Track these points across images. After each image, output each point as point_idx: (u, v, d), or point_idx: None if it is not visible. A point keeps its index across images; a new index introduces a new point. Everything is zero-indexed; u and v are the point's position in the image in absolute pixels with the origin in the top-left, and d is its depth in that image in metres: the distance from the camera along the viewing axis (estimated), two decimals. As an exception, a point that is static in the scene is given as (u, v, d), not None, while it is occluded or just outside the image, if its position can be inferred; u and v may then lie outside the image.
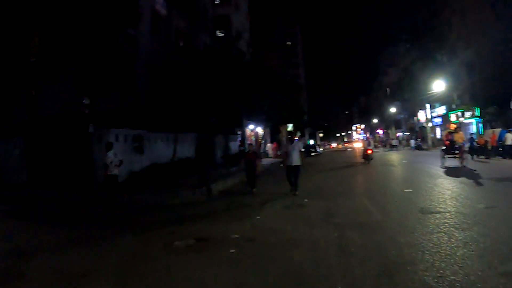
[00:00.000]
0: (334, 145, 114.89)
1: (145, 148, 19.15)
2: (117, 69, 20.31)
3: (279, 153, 37.70)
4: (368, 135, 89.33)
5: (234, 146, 34.19)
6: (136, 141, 18.70)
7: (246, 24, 46.84)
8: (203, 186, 14.89)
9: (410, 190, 11.74)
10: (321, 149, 68.28)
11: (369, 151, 26.38)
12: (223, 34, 37.15)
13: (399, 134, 77.18)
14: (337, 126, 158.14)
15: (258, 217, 8.92)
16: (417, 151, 43.61)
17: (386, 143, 63.74)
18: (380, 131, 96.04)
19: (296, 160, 12.30)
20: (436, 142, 49.18)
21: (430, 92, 45.54)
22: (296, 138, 13.78)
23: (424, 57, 47.22)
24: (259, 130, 39.11)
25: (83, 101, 16.63)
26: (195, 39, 30.36)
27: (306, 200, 10.92)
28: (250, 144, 16.28)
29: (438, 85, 43.45)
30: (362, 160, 26.43)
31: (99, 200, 13.45)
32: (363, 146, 29.39)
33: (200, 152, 16.15)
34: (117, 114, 19.41)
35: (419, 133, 60.39)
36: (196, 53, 19.47)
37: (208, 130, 26.82)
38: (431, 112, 51.53)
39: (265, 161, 33.45)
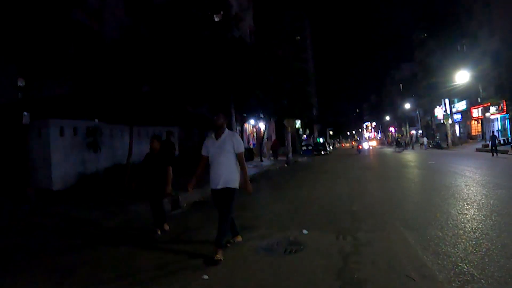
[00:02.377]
0: (347, 144, 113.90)
1: (103, 145, 15.00)
2: (69, 46, 16.35)
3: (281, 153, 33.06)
4: (358, 137, 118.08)
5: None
6: (90, 135, 14.57)
7: (248, 11, 42.79)
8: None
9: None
10: (331, 147, 63.83)
11: (360, 147, 48.17)
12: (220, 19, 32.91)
13: (413, 131, 73.02)
14: (348, 124, 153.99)
15: (205, 277, 4.62)
16: (436, 150, 39.19)
17: (400, 141, 58.74)
18: (392, 129, 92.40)
19: (227, 175, 5.54)
20: (457, 140, 44.75)
21: (450, 85, 41.09)
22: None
23: (443, 47, 43.04)
24: (262, 125, 34.76)
25: (19, 83, 12.58)
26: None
27: (304, 232, 6.47)
28: (155, 138, 7.47)
29: (461, 76, 38.85)
30: (356, 152, 43.48)
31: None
32: (356, 143, 53.02)
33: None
34: (71, 101, 15.35)
35: (436, 130, 55.84)
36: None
37: (196, 123, 22.68)
38: (451, 108, 46.81)
39: (266, 163, 29.33)
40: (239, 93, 15.73)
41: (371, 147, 69.59)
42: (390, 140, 79.67)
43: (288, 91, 22.72)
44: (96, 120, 15.49)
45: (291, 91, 23.52)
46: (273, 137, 45.55)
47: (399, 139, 49.27)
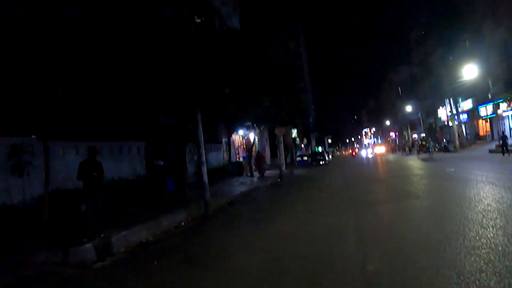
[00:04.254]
0: (347, 152, 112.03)
1: (35, 167, 11.48)
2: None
3: (266, 165, 28.19)
4: (358, 144, 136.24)
5: (217, 158, 26.41)
6: (15, 155, 11.05)
7: (234, 12, 39.58)
8: (86, 239, 7.58)
9: None
10: (330, 156, 60.16)
11: (353, 153, 74.72)
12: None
13: (415, 135, 69.72)
14: (347, 131, 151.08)
15: None
16: (443, 154, 35.61)
17: (404, 147, 55.24)
18: (392, 134, 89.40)
19: None
20: (465, 142, 41.36)
21: (454, 83, 38.09)
22: None
23: (443, 44, 39.98)
24: (252, 136, 31.18)
25: None
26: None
27: None
28: None
29: (467, 73, 35.71)
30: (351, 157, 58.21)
31: None
32: (350, 150, 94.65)
33: (86, 171, 8.43)
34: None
35: (439, 133, 52.50)
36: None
37: (170, 137, 19.08)
38: (457, 107, 43.38)
39: (256, 178, 25.84)
40: (204, 93, 12.17)
41: (372, 154, 65.67)
42: (393, 146, 75.83)
43: (271, 89, 18.94)
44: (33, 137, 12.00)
45: (275, 89, 19.70)
46: (267, 149, 41.86)
47: (423, 142, 41.23)
